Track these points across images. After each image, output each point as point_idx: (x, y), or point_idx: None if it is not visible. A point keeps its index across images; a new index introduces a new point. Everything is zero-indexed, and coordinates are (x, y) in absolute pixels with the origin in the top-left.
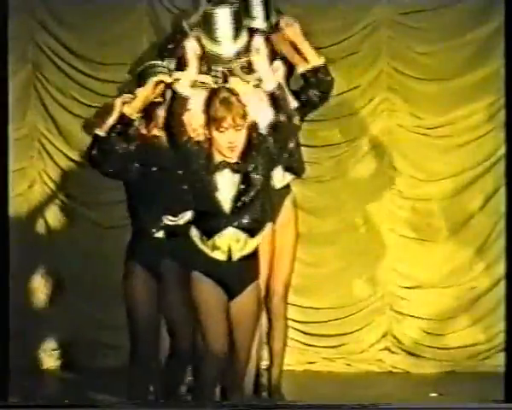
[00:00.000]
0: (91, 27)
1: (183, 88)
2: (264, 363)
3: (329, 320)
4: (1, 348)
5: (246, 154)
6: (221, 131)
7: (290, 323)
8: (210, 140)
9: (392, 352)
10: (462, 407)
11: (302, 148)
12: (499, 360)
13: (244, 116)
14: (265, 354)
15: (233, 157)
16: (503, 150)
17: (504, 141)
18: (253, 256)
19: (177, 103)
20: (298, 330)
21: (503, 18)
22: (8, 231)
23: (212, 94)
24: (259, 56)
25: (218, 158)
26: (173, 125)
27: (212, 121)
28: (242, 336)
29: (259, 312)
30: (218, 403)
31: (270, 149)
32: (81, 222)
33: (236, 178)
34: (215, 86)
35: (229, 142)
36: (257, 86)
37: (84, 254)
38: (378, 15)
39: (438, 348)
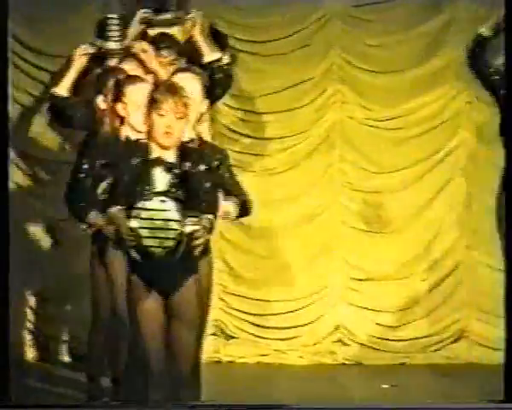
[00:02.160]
0: (43, 20)
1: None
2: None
3: (282, 313)
4: (1, 348)
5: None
6: (161, 115)
7: (242, 316)
8: (149, 132)
9: (345, 344)
10: (462, 407)
11: (253, 140)
12: (451, 351)
13: (186, 106)
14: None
15: (169, 145)
16: (454, 142)
17: (505, 140)
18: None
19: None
20: (250, 322)
21: (504, 17)
22: (8, 232)
23: (158, 84)
24: None
25: (155, 153)
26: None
27: (153, 105)
28: (182, 330)
29: (201, 305)
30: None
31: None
32: None
33: (168, 176)
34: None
35: (167, 126)
36: None
37: None
38: (330, 8)
39: (390, 339)
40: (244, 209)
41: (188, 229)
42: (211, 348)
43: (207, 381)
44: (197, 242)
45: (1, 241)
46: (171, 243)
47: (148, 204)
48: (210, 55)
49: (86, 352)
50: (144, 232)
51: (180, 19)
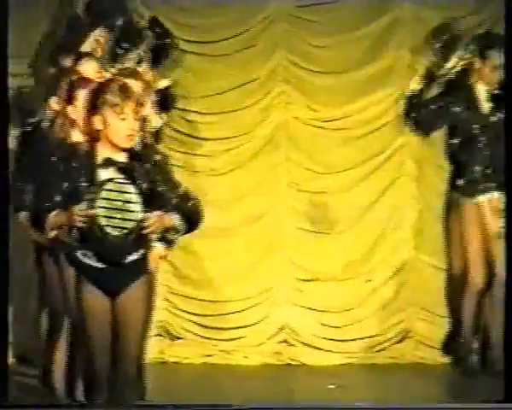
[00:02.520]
0: None
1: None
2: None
3: (227, 313)
4: (1, 348)
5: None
6: (122, 119)
7: (188, 316)
8: (98, 132)
9: (290, 344)
10: (461, 407)
11: (199, 141)
12: (396, 351)
13: (141, 105)
14: None
15: (129, 147)
16: (399, 142)
17: (505, 140)
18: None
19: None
20: (195, 323)
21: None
22: (8, 233)
23: (103, 85)
24: None
25: (103, 154)
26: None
27: (110, 108)
28: (130, 333)
29: (149, 305)
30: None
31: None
32: None
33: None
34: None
35: (131, 129)
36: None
37: None
38: (275, 9)
39: (335, 340)
40: (193, 221)
41: (143, 214)
42: (156, 349)
43: (152, 381)
44: (149, 230)
45: (1, 241)
46: (128, 226)
47: (107, 185)
48: (159, 83)
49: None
50: (101, 212)
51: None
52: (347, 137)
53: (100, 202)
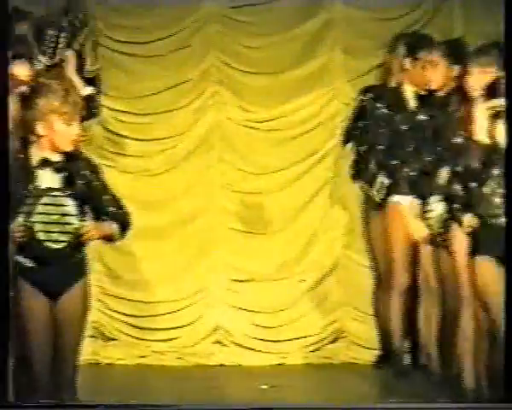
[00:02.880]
0: None
1: None
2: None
3: (161, 314)
4: (1, 348)
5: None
6: (69, 124)
7: (121, 317)
8: (39, 137)
9: (224, 345)
10: (462, 407)
11: (132, 141)
12: (329, 351)
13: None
14: None
15: (71, 149)
16: (332, 143)
17: (505, 141)
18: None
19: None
20: (129, 324)
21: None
22: (8, 233)
23: (42, 90)
24: None
25: (39, 155)
26: None
27: (55, 114)
28: (70, 333)
29: (87, 307)
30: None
31: None
32: None
33: (59, 175)
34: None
35: (76, 134)
36: None
37: None
38: (208, 10)
39: (269, 340)
40: (125, 228)
41: (80, 224)
42: (89, 350)
43: (85, 382)
44: (86, 238)
45: (1, 241)
46: (66, 238)
47: (43, 199)
48: (83, 90)
49: None
50: (39, 227)
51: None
52: (281, 137)
53: (36, 217)
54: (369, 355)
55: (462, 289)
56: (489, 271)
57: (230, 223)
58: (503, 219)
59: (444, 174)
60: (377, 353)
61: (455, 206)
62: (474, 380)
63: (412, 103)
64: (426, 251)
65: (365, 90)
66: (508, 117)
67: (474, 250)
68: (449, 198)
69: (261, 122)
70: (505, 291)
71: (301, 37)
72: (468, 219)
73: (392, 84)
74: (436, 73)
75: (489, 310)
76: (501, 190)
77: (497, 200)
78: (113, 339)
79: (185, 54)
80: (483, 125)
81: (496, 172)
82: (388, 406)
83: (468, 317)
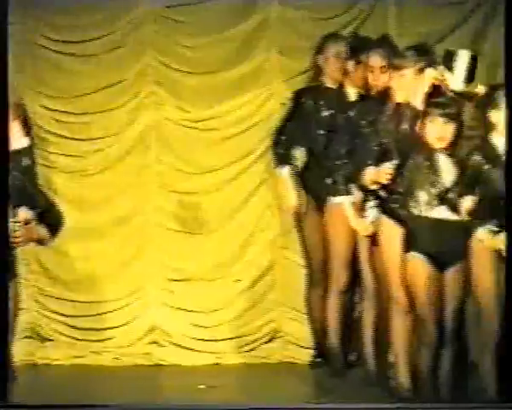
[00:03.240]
0: None
1: None
2: None
3: (97, 314)
4: (0, 348)
5: None
6: None
7: (58, 317)
8: None
9: (161, 345)
10: (461, 407)
11: (69, 141)
12: (265, 351)
13: None
14: None
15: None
16: (267, 143)
17: (505, 141)
18: None
19: None
20: (66, 324)
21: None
22: (7, 233)
23: None
24: None
25: None
26: None
27: None
28: None
29: (18, 307)
30: None
31: None
32: None
33: None
34: None
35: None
36: None
37: None
38: (143, 9)
39: (205, 340)
40: (56, 227)
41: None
42: (25, 351)
43: (21, 383)
44: (18, 241)
45: (1, 241)
46: None
47: None
48: None
49: None
50: None
51: None
52: (218, 137)
53: None
54: (306, 355)
55: (394, 287)
56: (418, 268)
57: (167, 223)
58: (433, 216)
59: (380, 173)
60: (313, 352)
61: (388, 204)
62: (407, 379)
63: (351, 104)
64: (363, 250)
65: (301, 91)
66: (508, 118)
67: (404, 247)
68: (382, 196)
69: (198, 122)
70: (506, 290)
71: (238, 36)
72: None
73: (328, 84)
74: (373, 75)
75: (417, 307)
76: (429, 187)
77: (426, 198)
78: (49, 339)
79: (121, 53)
80: (428, 132)
81: (425, 170)
82: (322, 406)
83: (400, 315)
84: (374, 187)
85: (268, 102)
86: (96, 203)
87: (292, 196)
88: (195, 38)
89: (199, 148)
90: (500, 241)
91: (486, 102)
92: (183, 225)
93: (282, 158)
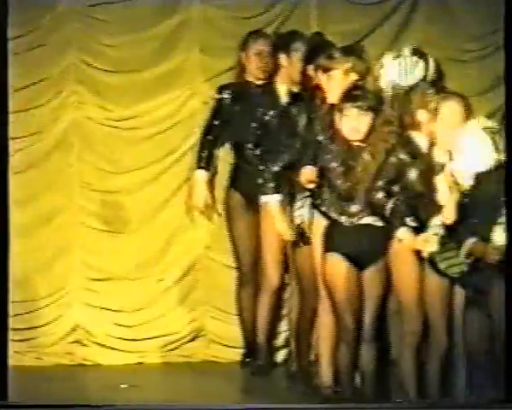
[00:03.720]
0: None
1: None
2: None
3: (19, 314)
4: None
5: None
6: None
7: None
8: None
9: (83, 344)
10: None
11: None
12: (188, 350)
13: None
14: None
15: None
16: (190, 142)
17: (505, 141)
18: None
19: None
20: None
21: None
22: (7, 233)
23: None
24: None
25: None
26: None
27: None
28: None
29: None
30: None
31: None
32: None
33: None
34: None
35: None
36: None
37: None
38: (65, 7)
39: (128, 339)
40: None
41: None
42: None
43: None
44: None
45: (1, 241)
46: None
47: None
48: None
49: None
50: None
51: None
52: (139, 136)
53: None
54: (230, 354)
55: (318, 286)
56: (336, 267)
57: (89, 222)
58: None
59: (307, 173)
60: (242, 351)
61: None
62: (330, 378)
63: (280, 101)
64: (293, 250)
65: (224, 88)
66: (507, 119)
67: (325, 248)
68: (312, 196)
69: (120, 121)
70: (505, 287)
71: (159, 35)
72: None
73: (255, 82)
74: (301, 72)
75: (337, 307)
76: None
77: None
78: None
79: (43, 52)
80: (343, 125)
81: (351, 170)
82: (246, 406)
83: (325, 314)
84: (310, 186)
85: (189, 102)
86: (20, 202)
87: (199, 197)
88: (118, 37)
89: (121, 147)
90: (420, 241)
91: (408, 100)
92: (106, 224)
93: (201, 159)
